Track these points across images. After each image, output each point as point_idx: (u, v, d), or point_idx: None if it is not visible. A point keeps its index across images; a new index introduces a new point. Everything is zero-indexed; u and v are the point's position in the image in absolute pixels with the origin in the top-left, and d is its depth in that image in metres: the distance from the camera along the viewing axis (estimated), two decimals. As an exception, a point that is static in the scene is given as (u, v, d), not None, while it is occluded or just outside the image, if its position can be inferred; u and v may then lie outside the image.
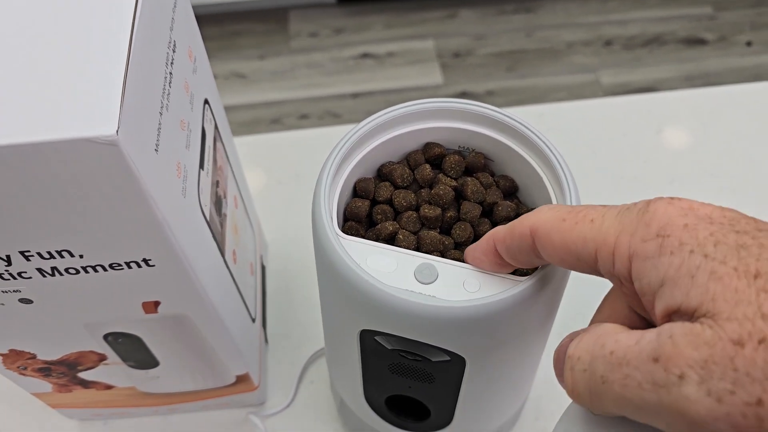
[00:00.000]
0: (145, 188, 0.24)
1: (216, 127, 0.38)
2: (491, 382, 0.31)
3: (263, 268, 0.51)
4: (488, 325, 0.26)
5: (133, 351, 0.36)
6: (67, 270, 0.28)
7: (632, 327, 0.20)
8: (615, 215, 0.20)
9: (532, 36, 1.76)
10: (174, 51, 0.30)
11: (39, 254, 0.27)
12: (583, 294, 0.51)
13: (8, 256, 0.27)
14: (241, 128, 1.59)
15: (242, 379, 0.42)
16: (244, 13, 1.80)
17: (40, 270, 0.28)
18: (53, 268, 0.28)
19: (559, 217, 0.22)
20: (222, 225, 0.37)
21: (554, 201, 0.29)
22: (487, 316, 0.25)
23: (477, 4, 1.83)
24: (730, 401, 0.16)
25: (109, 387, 0.40)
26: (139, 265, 0.29)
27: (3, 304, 0.31)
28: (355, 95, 1.64)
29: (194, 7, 0.34)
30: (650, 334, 0.18)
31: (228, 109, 1.61)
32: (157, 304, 0.32)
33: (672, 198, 0.20)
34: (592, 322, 0.24)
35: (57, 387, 0.40)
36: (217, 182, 0.37)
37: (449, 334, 0.26)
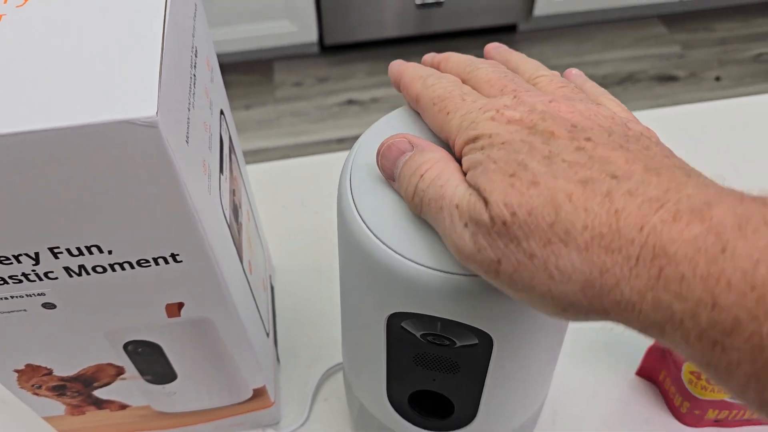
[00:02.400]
0: (179, 175, 0.25)
1: (230, 138, 0.38)
2: (515, 370, 0.31)
3: (272, 288, 0.51)
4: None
5: (151, 362, 0.36)
6: (94, 268, 0.28)
7: None
8: (460, 117, 0.26)
9: (510, 78, 1.81)
10: (196, 56, 0.31)
11: (68, 251, 0.27)
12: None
13: (37, 254, 0.27)
14: (229, 176, 1.59)
15: (258, 394, 0.41)
16: (229, 65, 1.83)
17: (67, 269, 0.28)
18: (81, 267, 0.28)
19: (431, 99, 0.27)
20: (239, 233, 0.37)
21: None
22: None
23: (456, 49, 1.88)
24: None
25: (123, 407, 0.40)
26: (166, 261, 0.29)
27: (25, 310, 0.30)
28: (340, 140, 1.67)
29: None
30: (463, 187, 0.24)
31: (215, 158, 1.62)
32: (180, 306, 0.32)
33: (498, 112, 0.24)
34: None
35: (70, 408, 0.39)
36: (233, 191, 0.37)
37: (481, 310, 0.26)
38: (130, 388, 0.38)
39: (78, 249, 0.27)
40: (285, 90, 1.82)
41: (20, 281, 0.29)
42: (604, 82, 1.79)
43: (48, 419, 0.40)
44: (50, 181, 0.24)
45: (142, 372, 0.37)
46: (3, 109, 0.23)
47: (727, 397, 0.42)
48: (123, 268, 0.29)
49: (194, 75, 0.30)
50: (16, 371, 0.35)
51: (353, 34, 1.79)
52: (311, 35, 1.74)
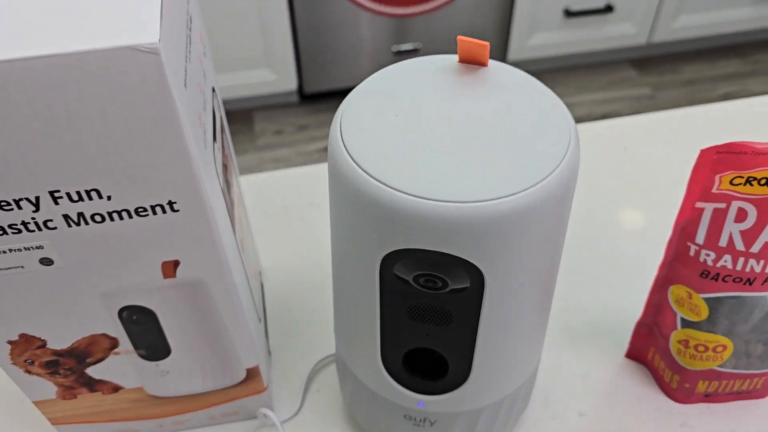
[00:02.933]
0: (178, 109, 0.26)
1: (222, 119, 0.39)
2: (506, 319, 0.32)
3: (261, 285, 0.51)
4: (508, 226, 0.27)
5: (146, 332, 0.36)
6: (93, 217, 0.29)
7: None
8: None
9: (487, 121, 1.86)
10: (191, 22, 0.32)
11: (68, 195, 0.28)
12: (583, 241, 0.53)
13: (37, 198, 0.28)
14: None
15: (252, 376, 0.41)
16: (211, 113, 1.86)
17: (66, 217, 0.29)
18: (79, 215, 0.29)
19: None
20: (232, 207, 0.38)
21: None
22: (508, 215, 0.27)
23: (433, 96, 1.93)
24: None
25: (115, 389, 0.39)
26: (164, 210, 0.30)
27: (23, 267, 0.31)
28: (323, 183, 1.68)
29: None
30: None
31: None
32: (176, 265, 0.32)
33: None
34: None
35: (61, 390, 0.39)
36: (226, 166, 0.38)
37: (472, 238, 0.27)
38: (124, 366, 0.38)
39: (78, 194, 0.28)
40: (266, 138, 1.85)
41: (19, 231, 0.29)
42: (579, 122, 1.84)
43: (39, 404, 0.40)
44: (52, 115, 0.25)
45: (136, 345, 0.37)
46: (10, 38, 0.24)
47: (715, 365, 0.42)
48: (121, 218, 0.29)
49: (189, 36, 0.31)
50: (10, 342, 0.35)
51: (332, 82, 1.83)
52: (291, 84, 1.78)
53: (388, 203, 0.27)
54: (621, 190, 0.61)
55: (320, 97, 1.92)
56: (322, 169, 0.65)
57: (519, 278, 0.30)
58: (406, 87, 0.31)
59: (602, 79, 1.99)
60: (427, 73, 0.32)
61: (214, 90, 0.38)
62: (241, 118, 1.89)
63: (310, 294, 0.54)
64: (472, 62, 0.32)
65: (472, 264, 0.29)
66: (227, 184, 0.37)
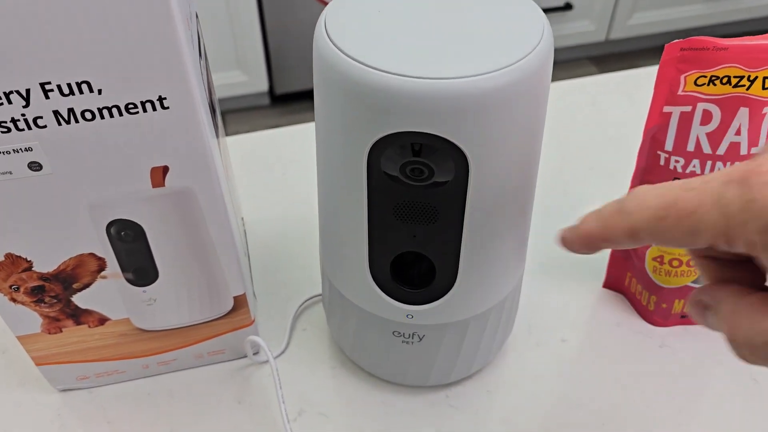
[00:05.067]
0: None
1: (204, 48, 0.40)
2: (491, 219, 0.33)
3: (245, 232, 0.52)
4: (488, 103, 0.28)
5: (133, 252, 0.36)
6: (83, 114, 0.29)
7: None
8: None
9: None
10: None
11: (59, 88, 0.28)
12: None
13: (28, 91, 0.28)
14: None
15: (239, 306, 0.41)
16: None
17: (56, 114, 0.29)
18: (70, 111, 0.29)
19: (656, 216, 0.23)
20: (216, 129, 0.38)
21: None
22: (488, 91, 0.28)
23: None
24: None
25: (102, 321, 0.39)
26: (154, 107, 0.30)
27: (11, 173, 0.31)
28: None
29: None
30: None
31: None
32: (165, 171, 0.33)
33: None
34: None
35: (46, 323, 0.38)
36: (210, 90, 0.39)
37: (454, 116, 0.28)
38: (110, 292, 0.38)
39: (69, 86, 0.28)
40: (237, 141, 1.85)
41: (8, 130, 0.29)
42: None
43: (23, 340, 0.39)
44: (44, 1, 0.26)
45: (124, 267, 0.37)
46: None
47: (689, 281, 0.44)
48: (111, 115, 0.30)
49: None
50: (-4, 263, 0.35)
51: (302, 83, 1.84)
52: (262, 85, 1.79)
53: (373, 84, 0.28)
54: (591, 141, 0.63)
55: (291, 98, 1.93)
56: (301, 129, 0.66)
57: (501, 167, 0.31)
58: (387, -10, 0.32)
59: (563, 75, 2.04)
60: (406, -21, 0.33)
61: (197, 16, 0.38)
62: (210, 122, 1.89)
63: (292, 242, 0.54)
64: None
65: (456, 147, 0.30)
66: (213, 110, 0.38)
